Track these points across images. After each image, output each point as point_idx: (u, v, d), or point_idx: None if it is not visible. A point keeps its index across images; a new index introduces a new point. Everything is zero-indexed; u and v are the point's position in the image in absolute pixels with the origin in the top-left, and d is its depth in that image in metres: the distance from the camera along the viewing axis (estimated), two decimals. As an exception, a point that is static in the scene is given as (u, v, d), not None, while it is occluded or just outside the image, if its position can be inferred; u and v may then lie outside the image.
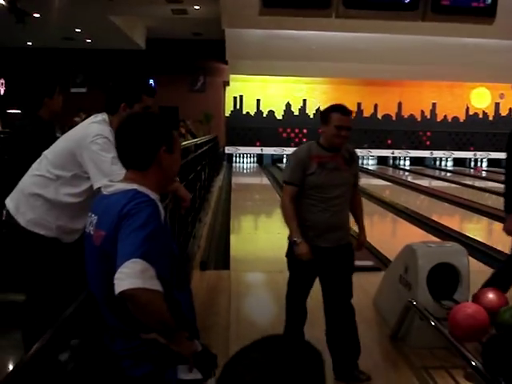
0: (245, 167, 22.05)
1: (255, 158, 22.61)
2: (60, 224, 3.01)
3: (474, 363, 3.10)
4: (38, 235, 2.98)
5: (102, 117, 2.97)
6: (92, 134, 2.83)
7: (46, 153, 3.07)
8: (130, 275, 1.69)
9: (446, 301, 4.07)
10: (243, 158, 22.63)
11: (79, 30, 15.69)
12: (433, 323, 3.71)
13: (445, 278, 4.20)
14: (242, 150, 22.39)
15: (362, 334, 4.50)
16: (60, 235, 3.03)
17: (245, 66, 18.86)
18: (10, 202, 3.08)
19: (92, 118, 2.99)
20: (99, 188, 2.58)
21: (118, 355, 1.88)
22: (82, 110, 12.06)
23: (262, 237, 8.58)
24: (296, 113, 22.51)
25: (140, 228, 1.77)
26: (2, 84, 19.79)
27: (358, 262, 6.49)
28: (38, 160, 3.09)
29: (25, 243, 3.02)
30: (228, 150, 22.10)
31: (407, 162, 23.35)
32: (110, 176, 2.39)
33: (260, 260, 6.88)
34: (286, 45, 14.51)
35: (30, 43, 17.97)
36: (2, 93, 19.77)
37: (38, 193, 2.98)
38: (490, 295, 3.79)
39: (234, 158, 22.41)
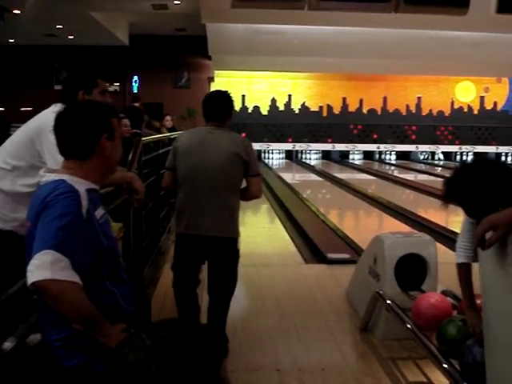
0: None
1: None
2: (16, 216, 2.96)
3: (435, 353, 3.08)
4: None
5: (61, 106, 2.93)
6: (51, 123, 2.80)
7: (5, 143, 3.04)
8: (40, 267, 1.71)
9: (414, 291, 4.06)
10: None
11: (60, 27, 15.56)
12: (397, 314, 3.69)
13: (414, 269, 4.19)
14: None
15: (332, 326, 4.52)
16: (16, 228, 2.98)
17: (229, 62, 18.78)
18: None
19: (52, 108, 2.96)
20: None
21: (52, 345, 1.86)
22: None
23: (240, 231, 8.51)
24: (281, 108, 22.50)
25: (55, 219, 1.77)
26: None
27: (334, 255, 6.60)
28: None
29: None
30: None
31: (393, 157, 23.39)
32: None
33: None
34: (267, 39, 14.44)
35: (11, 40, 17.81)
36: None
37: None
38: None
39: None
